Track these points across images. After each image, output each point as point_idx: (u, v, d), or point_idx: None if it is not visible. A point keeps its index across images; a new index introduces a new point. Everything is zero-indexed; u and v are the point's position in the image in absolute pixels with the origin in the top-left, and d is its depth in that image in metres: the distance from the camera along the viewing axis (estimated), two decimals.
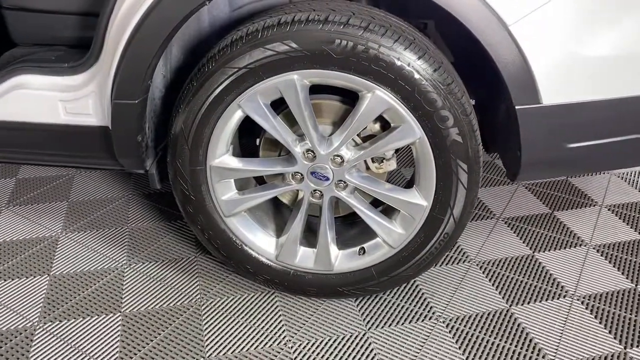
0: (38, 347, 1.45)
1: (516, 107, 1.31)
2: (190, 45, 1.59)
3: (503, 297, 1.64)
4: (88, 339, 1.48)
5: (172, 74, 1.57)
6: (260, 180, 1.68)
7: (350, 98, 1.43)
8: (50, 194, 2.15)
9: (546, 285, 1.69)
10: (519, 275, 1.73)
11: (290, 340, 1.49)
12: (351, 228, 1.65)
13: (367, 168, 1.50)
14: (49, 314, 1.56)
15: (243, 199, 1.49)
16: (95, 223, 1.98)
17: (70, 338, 1.48)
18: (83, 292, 1.65)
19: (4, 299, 1.61)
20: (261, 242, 1.56)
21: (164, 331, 1.51)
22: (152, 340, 1.48)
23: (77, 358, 1.42)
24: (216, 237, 1.54)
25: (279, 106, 1.43)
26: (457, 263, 1.79)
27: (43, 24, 1.69)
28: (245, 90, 1.33)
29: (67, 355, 1.43)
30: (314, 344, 1.48)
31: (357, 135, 1.44)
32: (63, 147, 1.59)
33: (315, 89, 1.39)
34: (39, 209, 2.05)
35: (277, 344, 1.48)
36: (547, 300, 1.63)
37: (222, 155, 1.44)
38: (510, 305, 1.61)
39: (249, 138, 1.65)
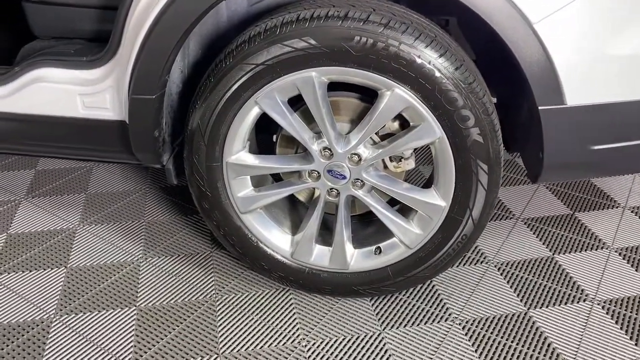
0: (54, 339, 1.46)
1: (539, 108, 1.27)
2: (208, 40, 1.58)
3: (521, 300, 1.61)
4: (103, 333, 1.49)
5: (190, 69, 1.56)
6: (276, 177, 1.67)
7: (369, 96, 1.41)
8: (69, 186, 2.17)
9: (566, 288, 1.66)
10: (537, 278, 1.70)
11: (304, 339, 1.49)
12: (367, 227, 1.63)
13: (385, 167, 1.48)
14: (66, 307, 1.57)
15: (259, 196, 1.48)
16: (112, 216, 1.99)
17: (86, 331, 1.49)
18: (99, 285, 1.66)
19: (21, 290, 1.63)
20: (277, 239, 1.55)
21: (178, 326, 1.52)
22: (166, 336, 1.49)
23: (93, 352, 1.43)
24: (232, 233, 1.54)
25: (296, 103, 1.41)
26: (475, 264, 1.76)
27: (62, 17, 1.69)
28: (262, 87, 1.31)
29: (82, 349, 1.44)
30: (327, 343, 1.47)
31: (375, 133, 1.41)
32: (81, 141, 1.59)
33: (334, 86, 1.37)
34: (57, 201, 2.07)
35: (291, 342, 1.47)
36: (566, 303, 1.60)
37: (238, 152, 1.43)
38: (529, 308, 1.58)
39: (265, 134, 1.64)
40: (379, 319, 1.55)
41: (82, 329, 1.50)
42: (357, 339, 1.49)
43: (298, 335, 1.50)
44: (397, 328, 1.52)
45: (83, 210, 2.02)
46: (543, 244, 1.85)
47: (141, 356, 1.42)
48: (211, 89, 1.34)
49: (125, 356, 1.42)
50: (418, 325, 1.53)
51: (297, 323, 1.54)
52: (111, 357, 1.42)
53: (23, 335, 1.47)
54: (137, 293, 1.63)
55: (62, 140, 1.61)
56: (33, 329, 1.50)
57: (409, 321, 1.54)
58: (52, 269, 1.72)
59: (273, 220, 1.56)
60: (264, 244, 1.54)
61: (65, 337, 1.47)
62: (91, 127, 1.55)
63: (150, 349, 1.45)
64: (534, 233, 1.91)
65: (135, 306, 1.58)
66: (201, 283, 1.68)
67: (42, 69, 1.52)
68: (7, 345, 1.44)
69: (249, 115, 1.37)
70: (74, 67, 1.51)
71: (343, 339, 1.49)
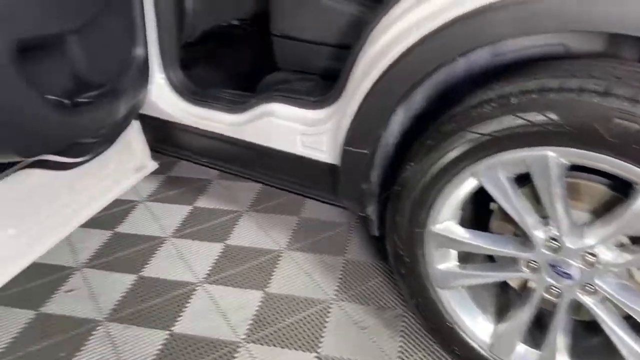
0: None
1: None
2: (436, 91, 1.45)
3: None
4: None
5: (412, 119, 1.46)
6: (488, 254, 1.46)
7: (619, 182, 1.12)
8: (286, 206, 2.25)
9: None
10: None
11: None
12: (593, 336, 1.32)
13: (631, 276, 1.17)
14: (254, 334, 1.61)
15: (462, 274, 1.31)
16: (316, 246, 2.00)
17: None
18: (289, 318, 1.67)
19: (222, 304, 1.73)
20: (475, 325, 1.35)
21: None
22: None
23: None
24: (425, 306, 1.39)
25: (521, 178, 1.20)
26: None
27: (302, 53, 1.74)
28: (484, 158, 1.13)
29: None
30: None
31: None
32: (294, 175, 1.63)
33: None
34: (272, 220, 2.17)
35: None
36: None
37: (446, 221, 1.27)
38: None
39: (483, 198, 1.45)
40: None
41: None
42: None
43: None
44: None
45: (292, 234, 2.07)
46: None
47: None
48: (426, 151, 1.21)
49: None
50: None
51: None
52: None
53: (214, 354, 1.55)
54: (321, 337, 1.60)
55: (277, 171, 1.67)
56: (223, 349, 1.57)
57: None
58: (252, 289, 1.80)
59: (474, 301, 1.37)
60: (459, 327, 1.36)
61: None
62: (305, 164, 1.56)
63: None
64: None
65: (317, 352, 1.55)
66: (386, 345, 1.56)
67: (274, 104, 1.58)
68: None
69: (464, 185, 1.20)
70: (301, 106, 1.53)
71: None
